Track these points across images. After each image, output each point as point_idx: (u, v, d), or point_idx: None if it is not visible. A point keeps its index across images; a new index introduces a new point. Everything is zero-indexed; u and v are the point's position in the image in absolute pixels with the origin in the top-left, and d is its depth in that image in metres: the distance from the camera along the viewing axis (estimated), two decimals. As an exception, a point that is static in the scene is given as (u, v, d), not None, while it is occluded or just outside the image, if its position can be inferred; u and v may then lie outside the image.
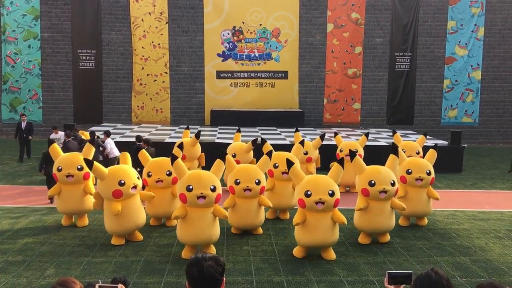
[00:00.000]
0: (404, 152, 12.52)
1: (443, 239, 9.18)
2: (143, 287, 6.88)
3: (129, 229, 8.59)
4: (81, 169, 9.22)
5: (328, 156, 13.32)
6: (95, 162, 8.54)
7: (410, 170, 9.65)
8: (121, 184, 8.24)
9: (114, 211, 8.23)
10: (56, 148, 9.62)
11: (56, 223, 9.75)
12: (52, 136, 14.28)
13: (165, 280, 7.09)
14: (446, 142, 17.06)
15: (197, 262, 2.76)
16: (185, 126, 14.90)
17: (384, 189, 8.37)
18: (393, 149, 9.72)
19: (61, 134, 14.39)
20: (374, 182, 8.38)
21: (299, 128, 13.75)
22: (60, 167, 9.26)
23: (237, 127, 14.18)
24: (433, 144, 16.14)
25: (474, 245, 8.87)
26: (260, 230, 9.36)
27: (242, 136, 13.61)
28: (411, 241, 9.06)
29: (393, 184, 8.49)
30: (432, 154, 10.09)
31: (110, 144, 13.58)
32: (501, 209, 11.61)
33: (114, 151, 13.52)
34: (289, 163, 8.14)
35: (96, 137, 13.24)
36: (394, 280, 3.39)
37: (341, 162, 8.11)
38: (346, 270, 7.58)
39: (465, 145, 17.04)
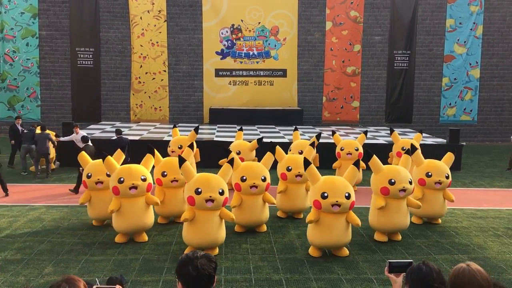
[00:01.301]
0: (404, 149, 12.57)
1: (441, 237, 9.19)
2: (141, 286, 6.88)
3: (130, 228, 8.57)
4: (110, 175, 9.16)
5: (326, 155, 13.33)
6: (108, 156, 8.61)
7: (430, 173, 9.63)
8: (120, 181, 8.32)
9: (108, 209, 8.46)
10: (85, 155, 9.59)
11: (55, 221, 9.74)
12: (73, 135, 14.44)
13: (164, 279, 7.09)
14: (445, 140, 17.08)
15: (190, 261, 2.76)
16: (172, 125, 14.62)
17: (404, 187, 8.42)
18: (412, 150, 9.73)
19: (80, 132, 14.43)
20: (394, 181, 8.41)
21: (297, 127, 13.77)
22: (89, 174, 9.26)
23: (235, 125, 14.22)
24: (432, 143, 16.18)
25: (472, 243, 8.88)
26: (264, 228, 9.38)
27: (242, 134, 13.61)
28: (410, 239, 9.07)
29: (410, 183, 8.58)
30: (450, 157, 10.02)
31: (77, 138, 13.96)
32: (499, 207, 11.62)
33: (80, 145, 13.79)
34: (306, 163, 8.11)
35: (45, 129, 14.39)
36: (394, 269, 3.47)
37: (356, 164, 8.12)
38: (344, 268, 7.58)
39: (464, 143, 17.05)
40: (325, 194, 7.68)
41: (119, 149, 9.48)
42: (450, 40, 22.62)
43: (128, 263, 7.63)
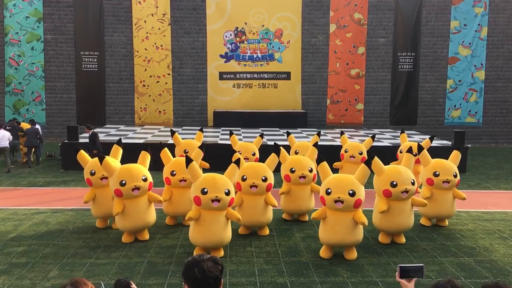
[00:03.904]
0: (401, 153, 12.50)
1: (447, 240, 9.14)
2: (146, 289, 6.87)
3: (135, 227, 8.70)
4: None
5: (329, 157, 13.25)
6: (106, 158, 8.62)
7: (437, 173, 9.57)
8: (122, 184, 8.38)
9: (113, 212, 8.56)
10: (84, 154, 9.49)
11: (60, 225, 9.76)
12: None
13: (169, 282, 7.08)
14: (450, 143, 17.01)
15: (196, 263, 2.75)
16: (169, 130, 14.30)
17: (406, 189, 8.35)
18: (418, 150, 9.77)
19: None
20: (396, 183, 8.33)
21: (301, 129, 13.73)
22: (93, 171, 9.19)
23: (239, 128, 14.17)
24: (437, 145, 16.01)
25: (478, 246, 8.83)
26: (267, 231, 9.34)
27: (245, 137, 13.60)
28: (415, 241, 9.03)
29: (413, 183, 8.51)
30: (456, 155, 9.96)
31: None
32: (505, 210, 11.56)
33: (1, 143, 15.20)
34: (320, 159, 8.28)
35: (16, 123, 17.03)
36: (405, 274, 3.35)
37: (367, 163, 8.04)
38: (350, 271, 7.55)
39: (469, 145, 16.98)
40: (329, 190, 7.74)
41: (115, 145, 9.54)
42: (455, 42, 22.57)
43: (133, 266, 7.63)
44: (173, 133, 12.36)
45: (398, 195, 8.39)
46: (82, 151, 9.54)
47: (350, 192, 7.68)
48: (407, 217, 8.68)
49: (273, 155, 9.35)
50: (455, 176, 9.62)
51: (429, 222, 10.05)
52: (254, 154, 11.88)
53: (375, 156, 8.61)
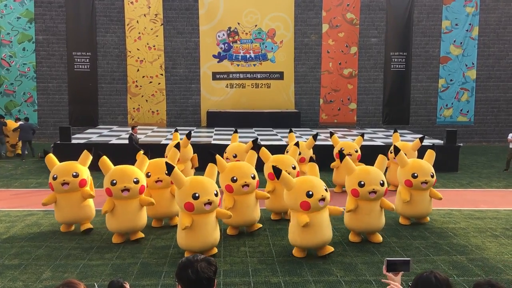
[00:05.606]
0: (391, 153, 12.56)
1: (439, 238, 9.20)
2: (140, 290, 6.86)
3: (122, 229, 8.68)
4: (76, 176, 9.11)
5: (324, 157, 13.30)
6: (104, 157, 8.66)
7: (416, 174, 9.63)
8: (113, 184, 8.42)
9: (102, 209, 8.65)
10: (52, 157, 9.47)
11: (52, 226, 9.71)
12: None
13: (162, 283, 7.07)
14: (442, 142, 17.10)
15: (190, 264, 2.75)
16: (174, 129, 14.61)
17: (373, 189, 8.41)
18: (395, 151, 9.85)
19: None
20: (364, 183, 8.43)
21: (294, 129, 13.77)
22: (55, 176, 9.12)
23: (233, 128, 14.15)
24: (429, 144, 16.10)
25: (470, 244, 8.89)
26: (256, 226, 9.34)
27: (239, 137, 13.59)
28: (408, 240, 9.08)
29: (382, 184, 8.53)
30: (431, 154, 10.10)
31: None
32: (497, 208, 11.64)
33: None
34: (277, 171, 7.86)
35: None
36: (392, 267, 3.38)
37: (313, 160, 8.48)
38: (343, 270, 7.58)
39: (461, 144, 17.08)
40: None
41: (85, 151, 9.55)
42: (446, 42, 22.70)
43: (126, 267, 7.61)
44: (175, 131, 13.20)
45: (366, 195, 8.46)
46: (51, 154, 9.54)
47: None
48: (376, 217, 8.70)
49: (251, 151, 9.41)
50: (432, 176, 9.74)
51: (407, 221, 10.08)
52: (235, 156, 11.81)
53: (346, 156, 8.83)
